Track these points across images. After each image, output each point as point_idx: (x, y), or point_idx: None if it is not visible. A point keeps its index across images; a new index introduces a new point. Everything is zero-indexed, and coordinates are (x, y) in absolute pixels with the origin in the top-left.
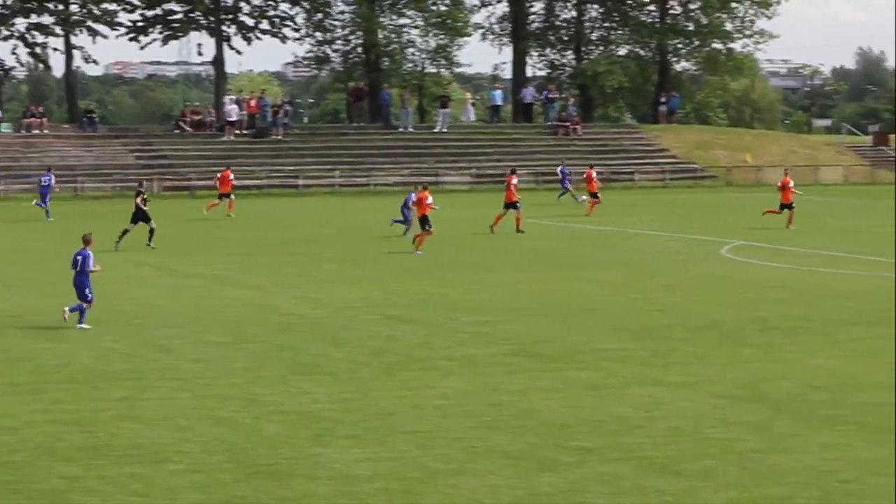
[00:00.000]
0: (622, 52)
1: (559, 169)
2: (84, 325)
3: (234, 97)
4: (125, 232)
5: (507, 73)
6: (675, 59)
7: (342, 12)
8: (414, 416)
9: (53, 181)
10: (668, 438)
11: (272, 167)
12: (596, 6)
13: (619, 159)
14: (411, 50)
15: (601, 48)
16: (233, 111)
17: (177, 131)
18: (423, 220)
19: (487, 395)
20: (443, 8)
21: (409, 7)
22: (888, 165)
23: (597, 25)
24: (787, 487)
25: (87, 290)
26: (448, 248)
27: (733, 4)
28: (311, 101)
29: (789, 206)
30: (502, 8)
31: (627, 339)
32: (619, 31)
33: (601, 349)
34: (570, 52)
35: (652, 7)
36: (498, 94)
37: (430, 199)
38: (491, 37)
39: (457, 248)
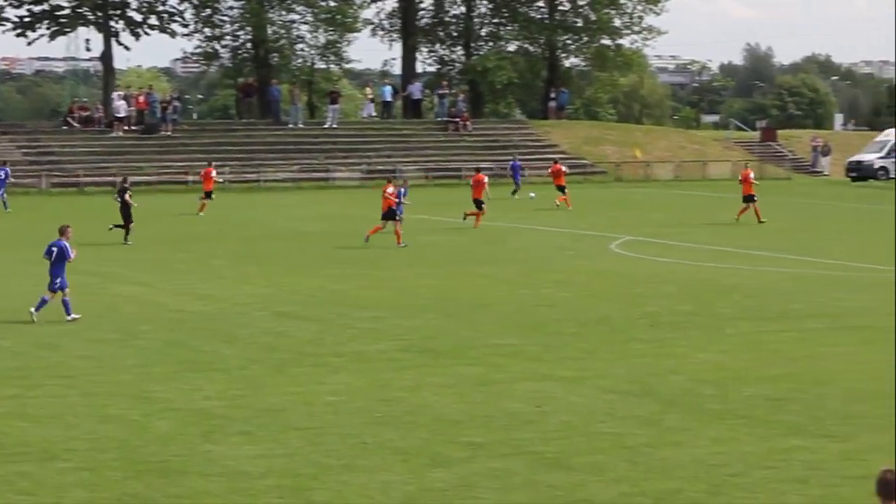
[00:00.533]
0: (511, 47)
1: (511, 164)
2: (74, 315)
3: (122, 93)
4: (126, 232)
5: (397, 69)
6: (564, 54)
7: (231, 8)
8: (305, 413)
9: (9, 174)
10: (558, 433)
11: (161, 163)
12: (485, 2)
13: (508, 155)
14: (301, 46)
15: (490, 44)
16: (121, 107)
17: (65, 127)
18: (390, 214)
19: (378, 391)
20: (332, 4)
21: (299, 3)
22: (776, 161)
23: (486, 21)
24: (677, 481)
25: (58, 280)
26: (339, 244)
27: (622, 1)
28: (200, 96)
29: (751, 199)
30: (392, 3)
31: (518, 335)
32: (509, 27)
33: (492, 344)
34: (459, 47)
35: (541, 3)
36: (388, 90)
37: (390, 190)
38: (381, 32)
39: (348, 244)
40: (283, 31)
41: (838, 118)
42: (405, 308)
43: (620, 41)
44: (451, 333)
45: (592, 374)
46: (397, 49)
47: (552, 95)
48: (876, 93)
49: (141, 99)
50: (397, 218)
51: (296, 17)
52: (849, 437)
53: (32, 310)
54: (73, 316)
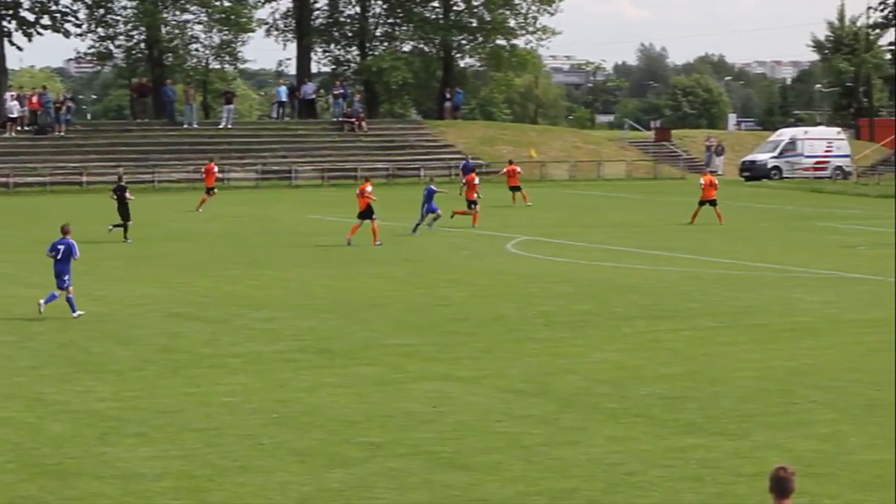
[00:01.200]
0: (407, 48)
1: (463, 164)
2: (79, 312)
3: (14, 94)
4: (125, 229)
5: (292, 69)
6: (459, 55)
7: (125, 7)
8: (201, 414)
9: None
10: (455, 433)
11: (55, 164)
12: (380, 2)
13: (404, 155)
14: (195, 46)
15: (386, 44)
16: (14, 108)
17: None
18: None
19: (275, 391)
20: (226, 4)
21: (193, 3)
22: (670, 161)
23: (381, 21)
24: (573, 480)
25: (66, 277)
26: (234, 244)
27: (516, 1)
28: (94, 97)
29: (712, 203)
30: (286, 4)
31: (414, 335)
32: (404, 28)
33: (388, 345)
34: (354, 48)
35: (436, 3)
36: (283, 90)
37: (369, 189)
38: (275, 33)
39: (243, 245)
40: (177, 31)
41: (732, 118)
42: (301, 308)
43: (515, 41)
44: (347, 334)
45: (489, 374)
46: (292, 49)
47: (447, 96)
48: (769, 93)
49: (34, 99)
50: (374, 217)
51: (190, 17)
52: (743, 435)
53: (42, 301)
54: (77, 313)
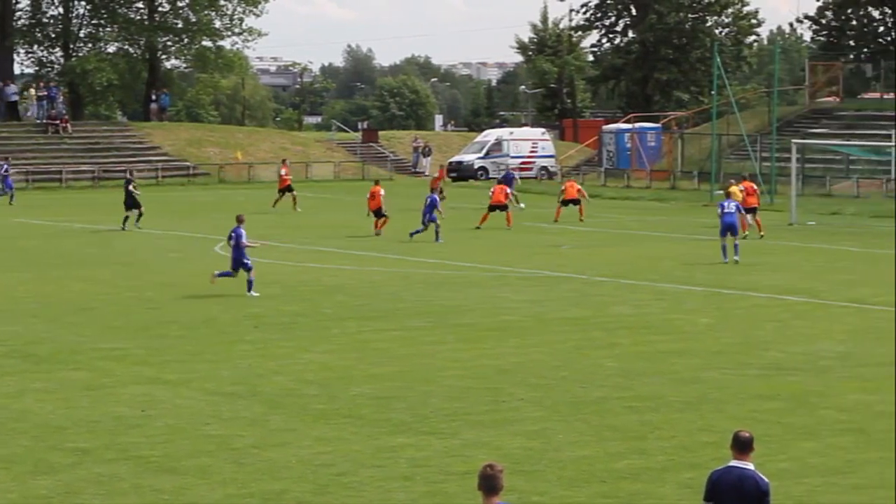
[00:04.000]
0: (112, 49)
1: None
2: (254, 293)
3: None
4: (126, 218)
5: None
6: (164, 56)
7: None
8: None
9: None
10: (164, 437)
11: None
12: (83, 3)
13: (110, 157)
14: None
15: (90, 45)
16: None
17: None
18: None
19: None
20: None
21: None
22: (378, 162)
23: (85, 22)
24: (284, 482)
25: (244, 260)
26: None
27: (221, 2)
28: None
29: (503, 208)
30: None
31: (123, 338)
32: (108, 28)
33: (96, 349)
34: (58, 49)
35: (140, 4)
36: None
37: (383, 192)
38: None
39: None
40: None
41: (438, 119)
42: (4, 313)
43: (221, 43)
44: (53, 338)
45: (198, 377)
46: None
47: (154, 97)
48: (475, 94)
49: None
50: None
51: None
52: (452, 433)
53: (216, 272)
54: (253, 293)
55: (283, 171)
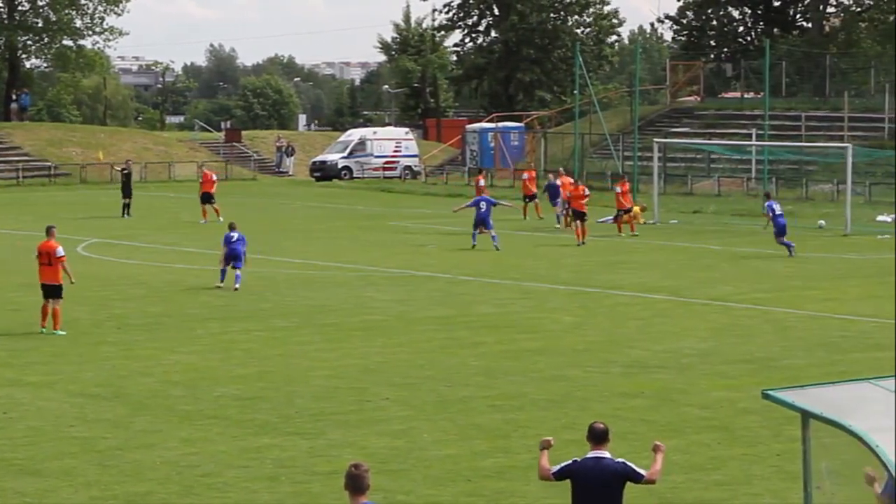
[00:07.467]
0: None
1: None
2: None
3: None
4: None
5: None
6: (25, 55)
7: None
8: None
9: None
10: (27, 439)
11: None
12: None
13: None
14: None
15: None
16: None
17: None
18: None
19: None
20: None
21: None
22: (241, 162)
23: None
24: (149, 483)
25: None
26: None
27: (82, 1)
28: None
29: (627, 211)
30: None
31: None
32: None
33: None
34: None
35: (0, 3)
36: None
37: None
38: None
39: None
40: None
41: (302, 119)
42: None
43: (82, 42)
44: None
45: (61, 379)
46: None
47: (14, 97)
48: (338, 94)
49: None
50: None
51: None
52: (318, 433)
53: (237, 285)
54: (237, 286)
55: (214, 177)
